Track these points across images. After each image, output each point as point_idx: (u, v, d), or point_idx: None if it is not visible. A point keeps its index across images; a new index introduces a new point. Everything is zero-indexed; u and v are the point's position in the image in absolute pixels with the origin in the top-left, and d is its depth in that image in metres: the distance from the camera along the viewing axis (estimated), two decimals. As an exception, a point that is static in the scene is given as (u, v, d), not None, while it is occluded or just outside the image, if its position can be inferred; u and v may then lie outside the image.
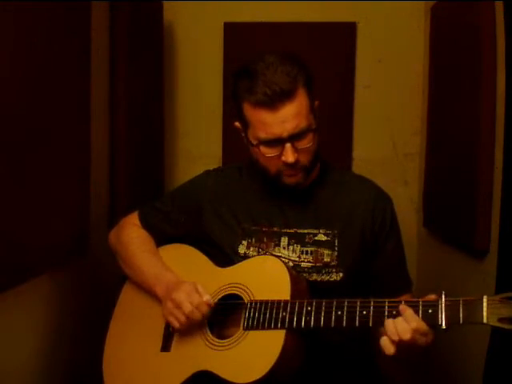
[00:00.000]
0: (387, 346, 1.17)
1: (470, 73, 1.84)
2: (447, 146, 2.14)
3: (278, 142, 1.33)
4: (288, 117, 1.31)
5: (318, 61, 2.48)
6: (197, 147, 2.67)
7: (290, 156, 1.34)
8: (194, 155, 2.66)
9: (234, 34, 2.58)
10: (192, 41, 2.64)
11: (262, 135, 1.34)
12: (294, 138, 1.33)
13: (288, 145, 1.33)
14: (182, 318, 1.34)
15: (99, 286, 1.98)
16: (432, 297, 1.17)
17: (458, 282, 2.00)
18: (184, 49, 2.65)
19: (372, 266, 1.43)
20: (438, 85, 2.30)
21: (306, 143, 1.35)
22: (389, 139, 2.60)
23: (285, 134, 1.32)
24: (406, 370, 1.33)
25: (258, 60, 1.35)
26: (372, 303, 1.20)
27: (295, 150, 1.34)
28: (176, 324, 1.36)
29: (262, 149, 1.36)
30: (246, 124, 1.38)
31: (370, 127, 2.60)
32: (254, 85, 1.31)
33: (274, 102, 1.30)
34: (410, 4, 2.53)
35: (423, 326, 1.14)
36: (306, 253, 1.41)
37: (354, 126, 2.59)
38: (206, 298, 1.34)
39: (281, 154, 1.34)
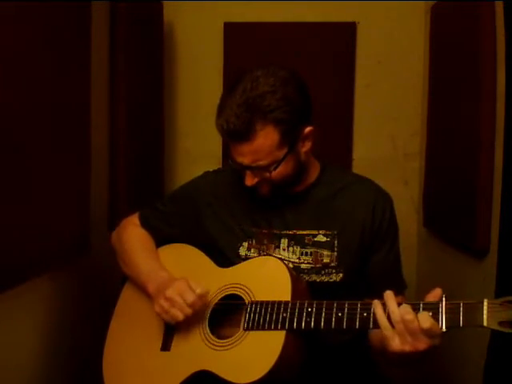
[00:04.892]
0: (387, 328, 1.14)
1: (469, 73, 1.84)
2: (447, 145, 2.14)
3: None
4: (244, 153, 1.31)
5: (318, 61, 2.48)
6: (197, 147, 2.66)
7: (246, 180, 1.37)
8: (194, 155, 2.66)
9: (234, 33, 2.57)
10: (192, 41, 2.63)
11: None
12: (252, 168, 1.34)
13: (247, 171, 1.35)
14: (177, 314, 1.32)
15: (99, 286, 1.98)
16: (437, 292, 1.15)
17: (458, 282, 1.99)
18: (184, 49, 2.65)
19: (367, 265, 1.43)
20: (437, 85, 2.30)
21: (268, 175, 1.34)
22: (389, 139, 2.60)
23: (244, 164, 1.33)
24: (405, 370, 1.32)
25: (241, 79, 1.31)
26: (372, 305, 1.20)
27: (255, 175, 1.35)
28: (171, 321, 1.35)
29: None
30: None
31: (370, 127, 2.59)
32: (219, 112, 1.31)
33: (229, 137, 1.31)
34: (410, 4, 2.53)
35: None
36: (306, 254, 1.41)
37: (354, 125, 2.59)
38: (199, 290, 1.33)
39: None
